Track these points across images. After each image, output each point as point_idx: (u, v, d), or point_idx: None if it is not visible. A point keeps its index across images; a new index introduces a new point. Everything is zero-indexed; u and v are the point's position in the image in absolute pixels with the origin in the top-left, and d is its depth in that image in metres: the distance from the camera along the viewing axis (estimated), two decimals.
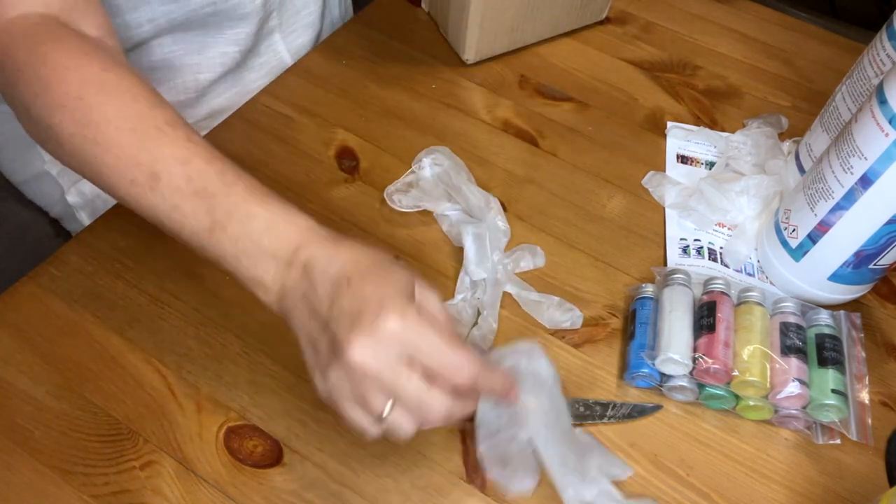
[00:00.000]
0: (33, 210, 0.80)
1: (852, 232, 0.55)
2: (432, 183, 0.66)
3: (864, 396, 0.55)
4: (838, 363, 0.54)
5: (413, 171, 0.67)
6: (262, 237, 0.42)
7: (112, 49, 0.51)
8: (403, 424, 0.40)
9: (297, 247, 0.42)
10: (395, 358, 0.38)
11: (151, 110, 0.45)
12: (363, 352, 0.38)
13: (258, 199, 0.43)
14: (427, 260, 0.62)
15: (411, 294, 0.40)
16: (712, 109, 0.79)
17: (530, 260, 0.63)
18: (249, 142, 0.69)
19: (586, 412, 0.54)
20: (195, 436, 0.51)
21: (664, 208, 0.69)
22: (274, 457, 0.51)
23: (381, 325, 0.38)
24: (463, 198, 0.64)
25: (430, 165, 0.67)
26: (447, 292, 0.60)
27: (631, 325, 0.58)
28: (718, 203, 0.66)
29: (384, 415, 0.39)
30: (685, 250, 0.65)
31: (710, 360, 0.53)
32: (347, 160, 0.69)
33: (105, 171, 0.45)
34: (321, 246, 0.42)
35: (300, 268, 0.41)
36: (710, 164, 0.73)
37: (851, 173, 0.53)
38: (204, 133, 0.70)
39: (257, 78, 0.77)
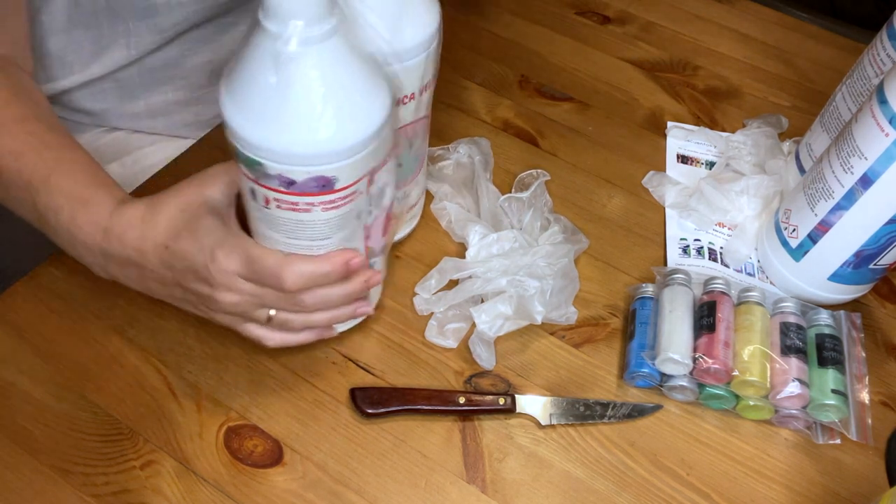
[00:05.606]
0: None
1: (852, 232, 0.55)
2: (455, 168, 0.66)
3: (864, 396, 0.55)
4: (838, 363, 0.54)
5: (446, 149, 0.67)
6: (74, 232, 0.47)
7: (10, 58, 0.53)
8: (290, 319, 0.47)
9: (104, 236, 0.46)
10: (246, 285, 0.45)
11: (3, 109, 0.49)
12: (223, 295, 0.45)
13: (69, 192, 0.47)
14: (428, 259, 0.62)
15: (220, 226, 0.45)
16: (712, 109, 0.79)
17: None
18: None
19: (586, 412, 0.54)
20: (195, 435, 0.51)
21: (664, 208, 0.69)
22: (274, 457, 0.51)
23: (215, 272, 0.44)
24: (480, 194, 0.64)
25: (465, 155, 0.67)
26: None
27: (631, 325, 0.58)
28: (718, 203, 0.66)
29: (271, 317, 0.47)
30: (685, 250, 0.65)
31: (710, 360, 0.53)
32: None
33: None
34: (127, 229, 0.46)
35: (116, 256, 0.46)
36: (710, 164, 0.73)
37: (851, 173, 0.53)
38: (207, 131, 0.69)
39: None
